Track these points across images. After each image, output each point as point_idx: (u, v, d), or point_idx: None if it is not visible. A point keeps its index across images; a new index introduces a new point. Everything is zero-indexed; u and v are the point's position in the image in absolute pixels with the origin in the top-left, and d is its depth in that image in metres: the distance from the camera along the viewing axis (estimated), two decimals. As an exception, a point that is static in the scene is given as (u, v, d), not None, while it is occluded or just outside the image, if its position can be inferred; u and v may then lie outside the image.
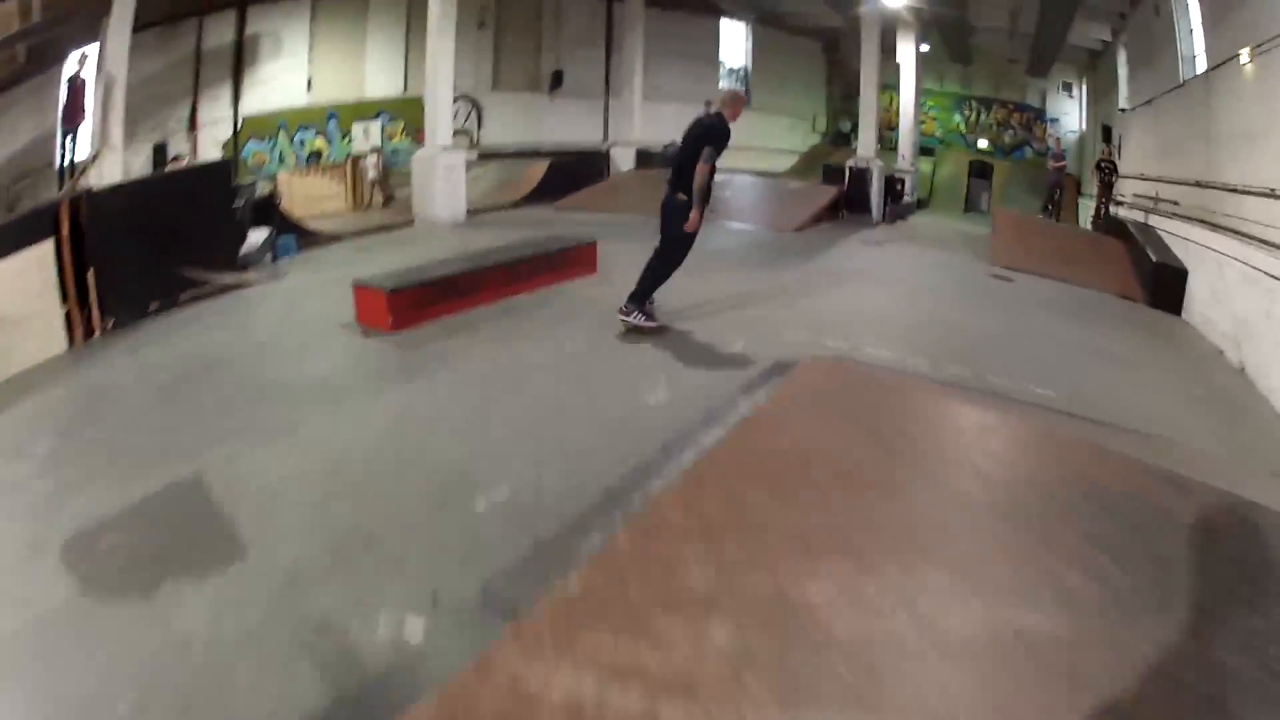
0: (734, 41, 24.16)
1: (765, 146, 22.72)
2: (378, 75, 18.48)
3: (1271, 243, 7.21)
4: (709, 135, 5.45)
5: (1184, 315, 8.85)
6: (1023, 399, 4.94)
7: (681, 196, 5.53)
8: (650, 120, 17.06)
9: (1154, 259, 9.72)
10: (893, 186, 15.11)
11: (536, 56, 20.05)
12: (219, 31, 17.17)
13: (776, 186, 15.92)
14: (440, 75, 11.76)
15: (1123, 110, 16.07)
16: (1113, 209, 12.48)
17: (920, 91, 17.97)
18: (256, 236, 8.44)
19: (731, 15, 22.66)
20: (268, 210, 9.56)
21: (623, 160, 16.87)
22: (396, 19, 18.09)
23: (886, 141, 22.75)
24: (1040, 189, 21.57)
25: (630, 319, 5.86)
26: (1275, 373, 5.77)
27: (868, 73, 14.36)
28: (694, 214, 5.51)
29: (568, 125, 19.26)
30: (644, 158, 16.72)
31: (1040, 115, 24.15)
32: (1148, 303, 9.40)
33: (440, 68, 11.73)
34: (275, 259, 8.78)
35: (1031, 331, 7.12)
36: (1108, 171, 12.62)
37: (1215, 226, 8.95)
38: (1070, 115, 23.51)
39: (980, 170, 23.99)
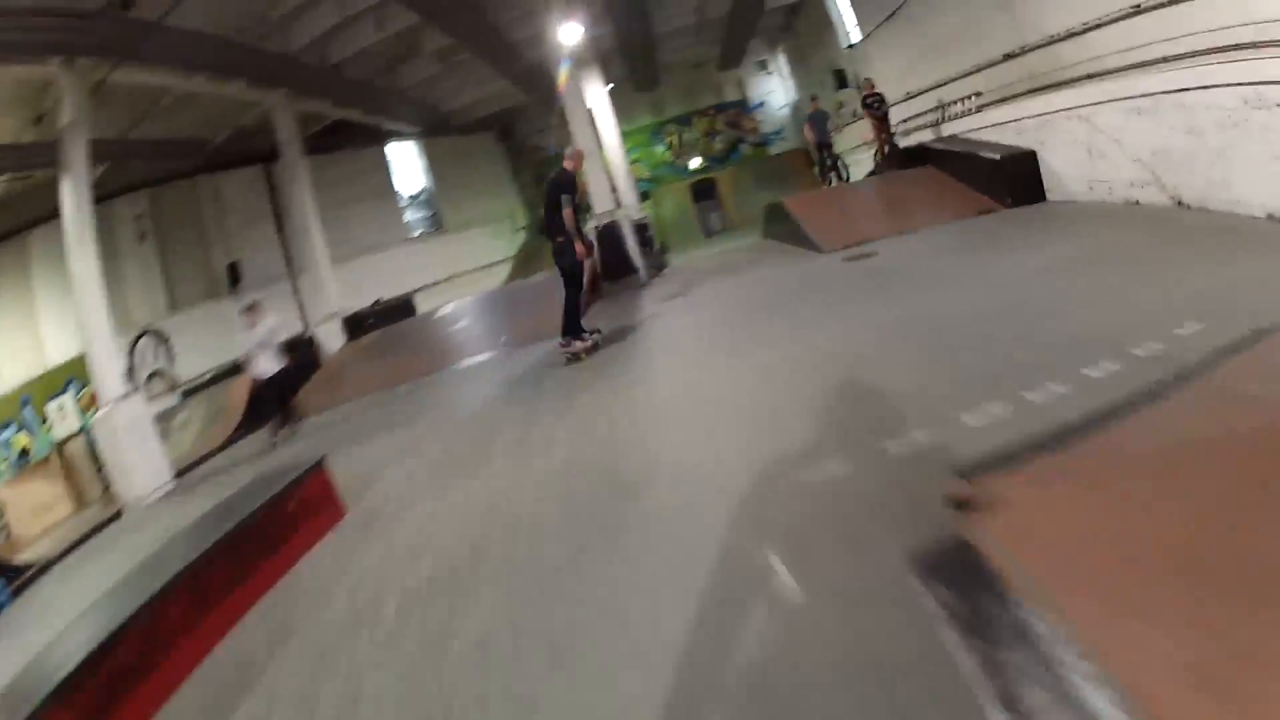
0: (407, 165, 21.43)
1: (474, 267, 20.51)
2: (57, 335, 14.73)
3: (1159, 59, 6.39)
4: (557, 188, 6.42)
5: (1051, 197, 7.82)
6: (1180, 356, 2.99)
7: (559, 239, 6.42)
8: (349, 282, 14.80)
9: (994, 157, 8.52)
10: (643, 235, 12.83)
11: (207, 255, 16.49)
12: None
13: (512, 293, 12.66)
14: (93, 310, 8.85)
15: (851, 46, 15.62)
16: (898, 142, 11.43)
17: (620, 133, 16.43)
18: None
19: (397, 136, 20.20)
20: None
21: (330, 339, 13.53)
22: (60, 259, 14.02)
23: (586, 211, 21.57)
24: (767, 176, 21.13)
25: (569, 349, 6.66)
26: (1232, 184, 5.30)
27: (576, 114, 12.29)
28: (578, 246, 6.52)
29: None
30: (355, 326, 13.74)
31: (744, 106, 23.66)
32: (1011, 204, 8.14)
33: (91, 301, 8.85)
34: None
35: (1009, 287, 5.01)
36: (877, 105, 11.56)
37: (1059, 85, 7.93)
38: (775, 92, 23.34)
39: (703, 191, 22.02)
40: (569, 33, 12.50)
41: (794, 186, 19.88)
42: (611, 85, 18.51)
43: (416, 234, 20.83)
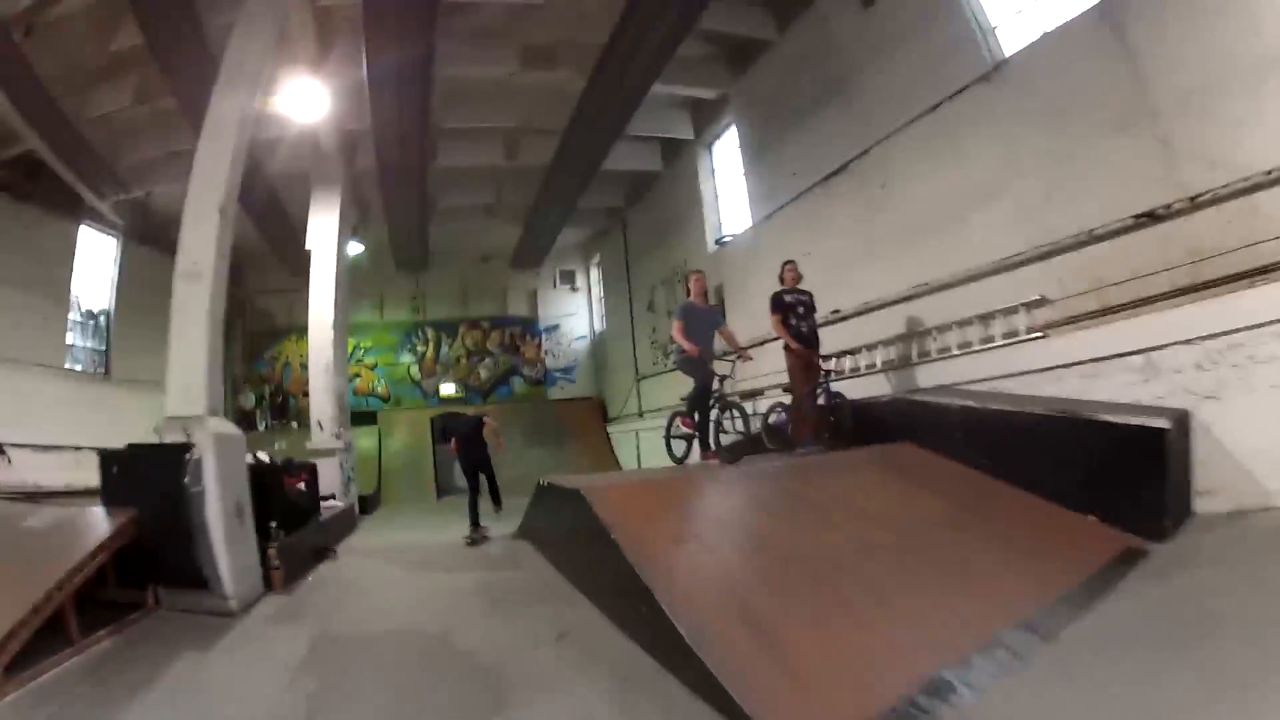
0: (97, 263, 13.62)
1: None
2: None
3: None
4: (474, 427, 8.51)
5: (1204, 506, 4.12)
6: None
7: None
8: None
9: (1137, 423, 4.09)
10: (272, 490, 6.02)
11: None
12: None
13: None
14: None
15: (721, 242, 10.59)
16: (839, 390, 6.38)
17: (346, 316, 11.32)
18: None
19: (98, 222, 12.82)
20: None
21: None
22: None
23: (290, 413, 16.69)
24: (541, 428, 16.11)
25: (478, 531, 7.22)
26: None
27: (203, 195, 5.40)
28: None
29: None
30: None
31: (531, 327, 18.27)
32: (1172, 531, 3.93)
33: None
34: None
35: None
36: (804, 312, 6.27)
37: (1261, 274, 4.15)
38: (576, 315, 18.32)
39: (451, 430, 16.80)
40: (309, 99, 7.23)
41: (577, 451, 15.89)
42: (363, 248, 13.42)
43: (74, 368, 12.89)
